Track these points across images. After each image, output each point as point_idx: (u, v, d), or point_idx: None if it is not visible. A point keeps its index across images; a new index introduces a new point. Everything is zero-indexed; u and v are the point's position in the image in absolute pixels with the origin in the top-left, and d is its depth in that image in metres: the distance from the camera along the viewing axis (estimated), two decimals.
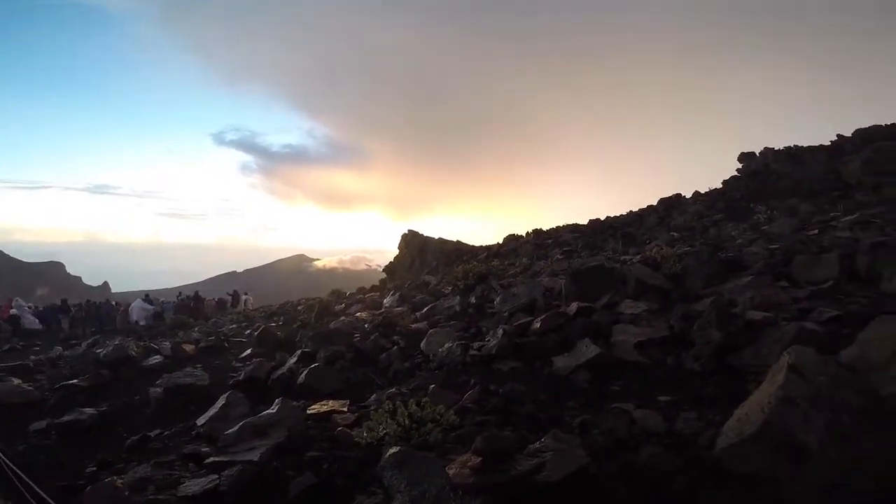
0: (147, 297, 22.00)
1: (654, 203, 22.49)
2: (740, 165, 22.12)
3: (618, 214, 23.65)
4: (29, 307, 21.33)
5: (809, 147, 20.23)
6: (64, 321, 21.42)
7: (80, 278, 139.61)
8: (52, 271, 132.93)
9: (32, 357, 11.11)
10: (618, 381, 4.79)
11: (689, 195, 22.33)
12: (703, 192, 22.04)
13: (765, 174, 19.70)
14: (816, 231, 9.90)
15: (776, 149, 20.79)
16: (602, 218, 23.37)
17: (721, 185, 21.70)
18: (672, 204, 21.21)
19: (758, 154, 21.60)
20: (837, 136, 20.27)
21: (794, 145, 20.51)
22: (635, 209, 23.44)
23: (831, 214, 11.97)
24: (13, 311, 19.34)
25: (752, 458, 2.68)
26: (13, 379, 7.89)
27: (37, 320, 20.19)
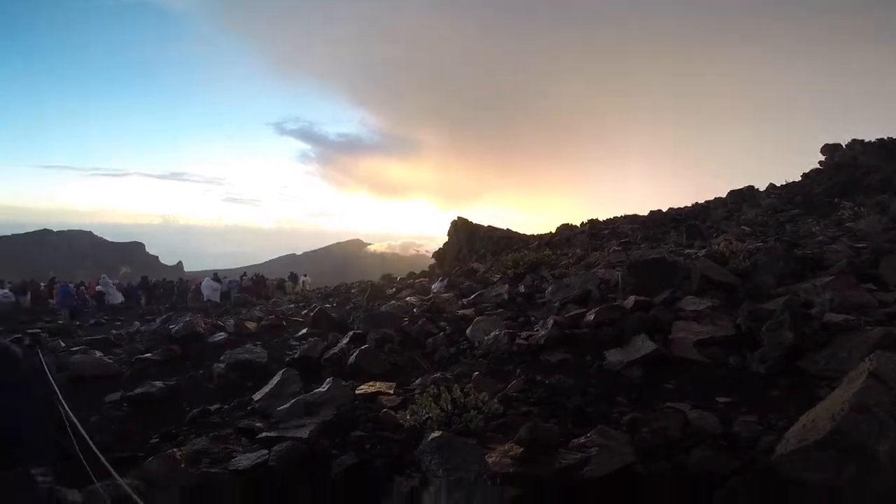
0: (216, 276, 23.38)
1: (723, 195, 21.11)
2: (823, 158, 20.29)
3: (682, 206, 22.41)
4: (114, 284, 23.29)
5: None
6: (143, 297, 23.23)
7: (157, 258, 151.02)
8: (133, 251, 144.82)
9: (113, 331, 12.06)
10: (674, 380, 4.55)
11: (762, 188, 20.78)
12: (778, 184, 20.45)
13: (851, 167, 17.96)
14: None
15: (866, 140, 18.86)
16: (664, 209, 22.22)
17: (800, 178, 20.01)
18: (743, 196, 19.80)
19: (844, 146, 19.70)
20: None
21: (888, 137, 18.53)
22: (701, 202, 22.12)
23: None
24: (99, 287, 21.18)
25: (813, 466, 2.49)
26: (96, 352, 8.53)
27: (120, 296, 22.00)
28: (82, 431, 3.85)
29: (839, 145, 20.06)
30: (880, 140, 18.49)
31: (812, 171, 20.14)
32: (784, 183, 20.31)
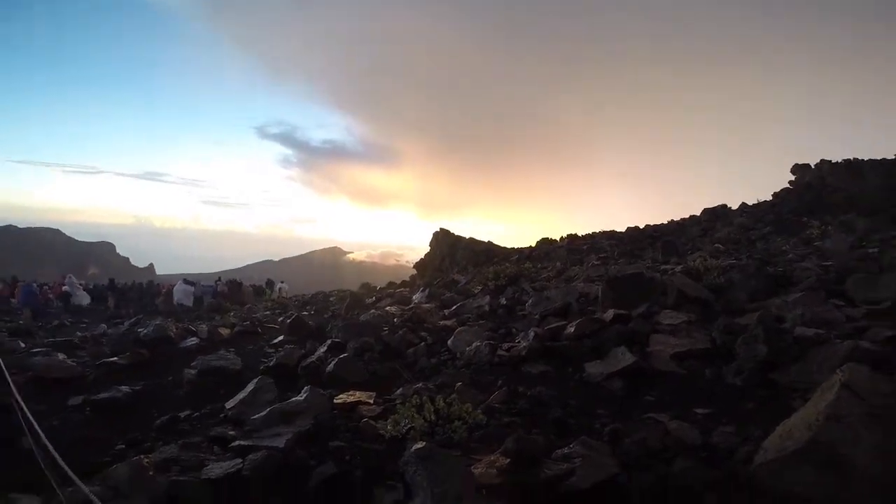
0: (188, 279, 22.81)
1: (698, 213, 21.69)
2: (793, 178, 21.10)
3: (658, 223, 22.93)
4: (81, 285, 22.49)
5: (870, 160, 19.09)
6: (110, 300, 22.49)
7: (128, 259, 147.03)
8: (103, 251, 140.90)
9: (78, 333, 11.59)
10: (653, 392, 4.61)
11: (734, 206, 21.44)
12: (750, 203, 21.15)
13: (819, 187, 18.72)
14: (876, 249, 9.29)
15: (833, 161, 19.71)
16: (641, 226, 22.69)
17: (771, 198, 20.74)
18: (717, 215, 20.40)
19: (813, 166, 20.54)
20: None
21: (854, 158, 19.40)
22: (676, 219, 22.69)
23: (892, 232, 11.25)
24: (65, 287, 20.42)
25: (791, 476, 2.54)
26: (59, 354, 8.16)
27: (87, 297, 21.23)
28: (41, 434, 3.65)
29: (808, 165, 20.88)
30: (847, 161, 19.32)
31: (782, 190, 20.88)
32: (756, 202, 21.02)
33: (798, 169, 20.91)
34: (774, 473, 2.60)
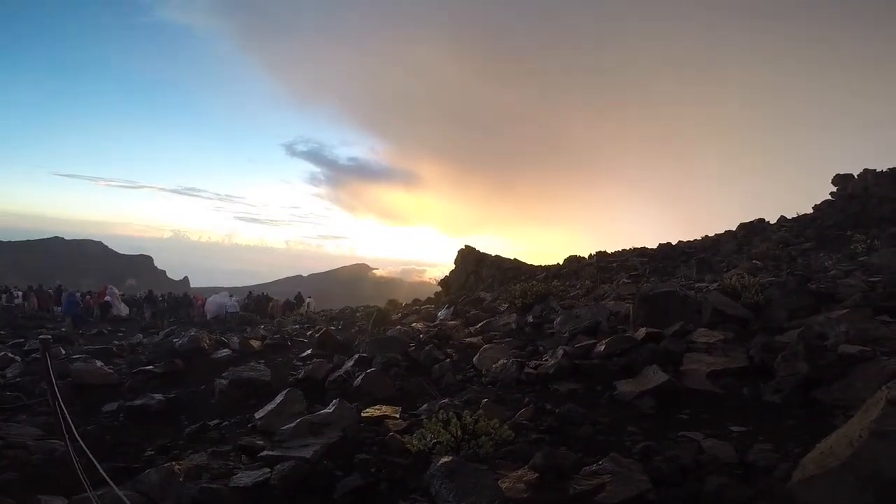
0: (222, 293, 23.43)
1: (733, 228, 20.97)
2: (834, 189, 20.12)
3: (692, 239, 22.28)
4: (121, 295, 23.39)
5: None
6: (147, 310, 23.26)
7: (164, 272, 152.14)
8: (141, 264, 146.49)
9: (115, 342, 12.01)
10: (686, 410, 4.47)
11: (773, 220, 20.65)
12: (789, 217, 20.34)
13: (864, 198, 17.79)
14: None
15: (878, 170, 18.69)
16: (673, 243, 22.08)
17: (812, 211, 19.87)
18: (754, 229, 19.63)
19: (856, 176, 19.53)
20: None
21: None
22: (711, 235, 22.01)
23: None
24: (107, 297, 21.25)
25: (831, 493, 2.45)
26: (96, 361, 8.48)
27: (125, 308, 22.04)
28: (79, 440, 3.76)
29: (851, 175, 19.83)
30: (892, 170, 18.22)
31: (824, 202, 19.93)
32: (795, 215, 20.18)
33: (840, 179, 19.81)
34: (813, 490, 2.51)
